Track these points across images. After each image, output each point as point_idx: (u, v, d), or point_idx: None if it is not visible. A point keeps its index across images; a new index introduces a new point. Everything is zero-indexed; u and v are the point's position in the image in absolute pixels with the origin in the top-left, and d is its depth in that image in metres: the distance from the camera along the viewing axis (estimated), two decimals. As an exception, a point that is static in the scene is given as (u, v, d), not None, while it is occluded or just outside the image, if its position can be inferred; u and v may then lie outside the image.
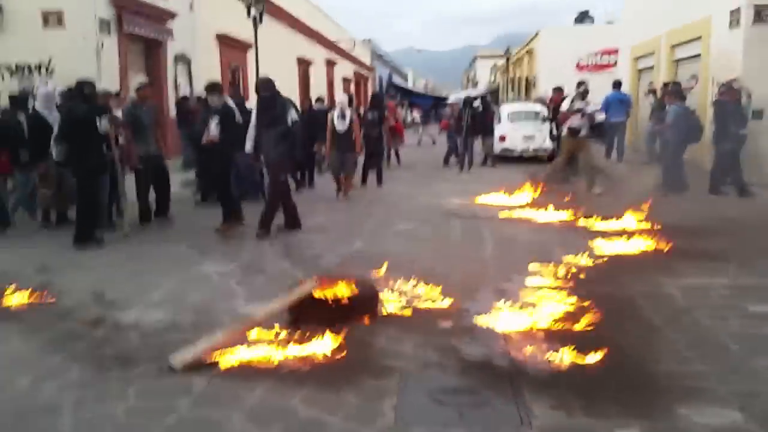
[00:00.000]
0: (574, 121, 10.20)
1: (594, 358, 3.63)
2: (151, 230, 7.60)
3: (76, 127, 6.60)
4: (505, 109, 17.48)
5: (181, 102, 14.00)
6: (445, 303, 4.65)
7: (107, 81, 11.32)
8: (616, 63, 24.10)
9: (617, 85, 14.86)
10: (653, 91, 13.93)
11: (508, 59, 39.21)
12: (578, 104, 10.29)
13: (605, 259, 5.93)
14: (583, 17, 36.96)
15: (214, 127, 7.39)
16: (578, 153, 10.33)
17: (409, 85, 63.79)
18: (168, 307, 4.70)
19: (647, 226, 7.08)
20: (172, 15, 14.82)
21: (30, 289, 5.01)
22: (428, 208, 9.06)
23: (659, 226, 6.98)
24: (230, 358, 3.64)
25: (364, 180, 11.38)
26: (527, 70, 36.37)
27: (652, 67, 16.10)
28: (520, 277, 5.36)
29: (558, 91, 13.37)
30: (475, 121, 14.08)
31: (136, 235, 7.24)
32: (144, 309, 4.65)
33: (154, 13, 14.13)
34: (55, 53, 11.80)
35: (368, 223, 7.96)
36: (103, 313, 4.56)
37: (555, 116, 12.25)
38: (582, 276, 5.33)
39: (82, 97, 6.78)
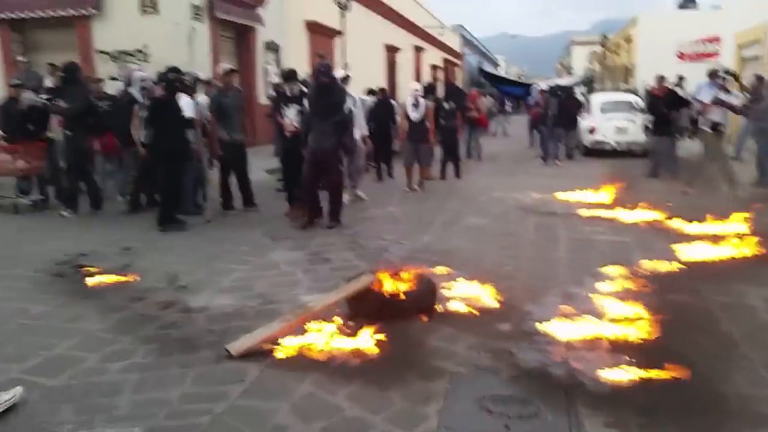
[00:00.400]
0: (715, 113, 9.44)
1: (659, 373, 3.42)
2: (233, 216, 7.84)
3: (157, 112, 6.90)
4: (597, 99, 16.74)
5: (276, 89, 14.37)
6: (507, 304, 4.53)
7: (199, 67, 11.77)
8: (718, 52, 22.52)
9: (713, 75, 13.71)
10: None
11: (604, 46, 37.54)
12: (723, 96, 9.49)
13: (687, 265, 5.57)
14: (686, 2, 34.69)
15: (294, 116, 7.53)
16: (714, 149, 9.50)
17: (501, 72, 62.51)
18: (236, 293, 4.85)
19: (741, 230, 6.59)
20: (262, 1, 15.19)
21: (113, 270, 5.35)
22: (504, 202, 8.86)
23: (755, 232, 6.48)
24: (285, 347, 3.71)
25: (443, 174, 11.23)
26: (625, 58, 34.69)
27: (757, 57, 14.91)
28: (591, 280, 5.12)
29: (661, 80, 12.31)
30: (558, 111, 13.60)
31: (217, 221, 7.51)
32: (213, 294, 4.83)
33: (246, -1, 14.55)
34: (151, 39, 12.39)
35: (440, 216, 7.87)
36: (175, 296, 4.78)
37: (656, 108, 11.39)
38: (658, 283, 5.03)
39: (166, 83, 7.07)
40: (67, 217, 7.66)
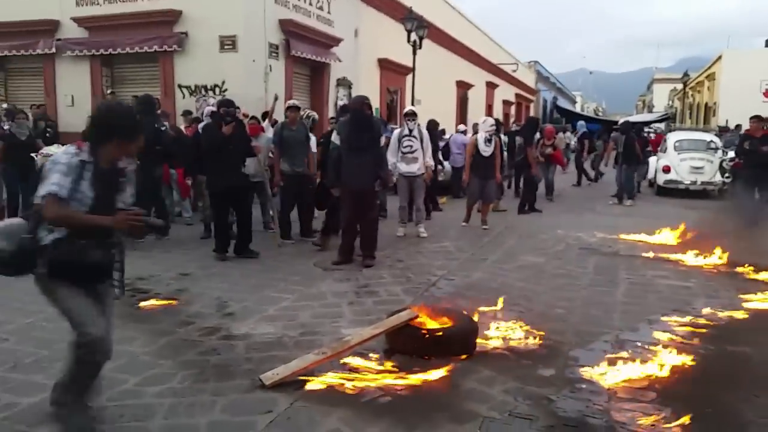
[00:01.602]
0: None
1: (708, 428, 3.18)
2: (290, 246, 7.93)
3: (211, 146, 7.00)
4: (672, 137, 16.14)
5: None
6: (553, 348, 4.35)
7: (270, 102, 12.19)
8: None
9: None
10: None
11: (685, 84, 36.29)
12: None
13: (756, 315, 5.20)
14: (775, 39, 33.13)
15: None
16: None
17: (577, 108, 61.45)
18: (279, 322, 4.90)
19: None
20: (337, 41, 15.65)
21: (166, 295, 5.54)
22: (564, 240, 8.60)
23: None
24: (317, 380, 3.70)
25: (521, 209, 11.37)
26: (707, 96, 33.39)
27: None
28: (647, 327, 4.87)
29: (757, 119, 10.81)
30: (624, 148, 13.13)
31: (273, 250, 7.62)
32: (258, 322, 4.89)
33: (321, 38, 15.02)
34: (228, 75, 12.95)
35: (495, 253, 7.71)
36: (220, 322, 4.87)
37: (747, 149, 10.39)
38: (719, 332, 4.71)
39: (219, 118, 7.16)
40: (140, 242, 7.99)
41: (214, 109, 8.92)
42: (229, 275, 6.40)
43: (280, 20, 13.47)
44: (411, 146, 8.51)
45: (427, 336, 4.10)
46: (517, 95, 37.99)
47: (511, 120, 30.63)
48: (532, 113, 40.38)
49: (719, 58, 30.90)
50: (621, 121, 17.23)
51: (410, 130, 8.59)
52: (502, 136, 12.70)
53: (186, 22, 12.84)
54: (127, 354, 4.17)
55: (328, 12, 15.51)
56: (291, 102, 8.92)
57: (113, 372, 3.86)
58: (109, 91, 12.98)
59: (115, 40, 13.18)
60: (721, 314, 5.16)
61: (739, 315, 5.16)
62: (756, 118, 10.72)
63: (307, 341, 4.44)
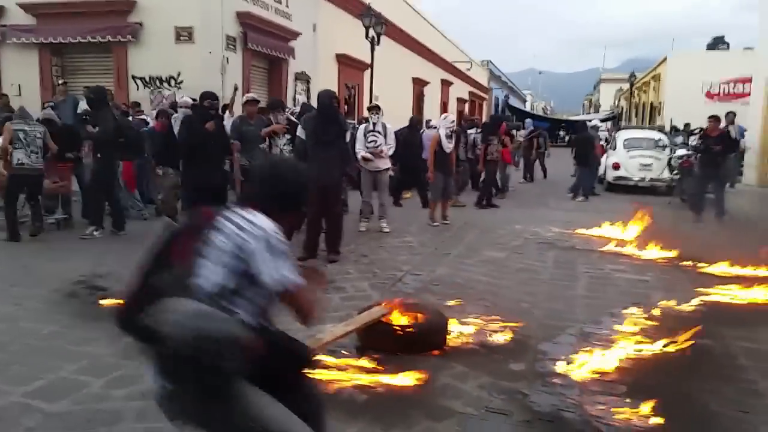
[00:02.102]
0: None
1: (678, 423, 3.27)
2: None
3: (193, 142, 6.69)
4: (622, 135, 16.60)
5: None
6: (521, 342, 4.41)
7: (228, 95, 11.94)
8: (750, 92, 22.32)
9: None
10: None
11: (632, 84, 37.41)
12: None
13: (711, 307, 5.39)
14: (717, 43, 34.54)
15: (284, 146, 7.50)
16: None
17: (527, 107, 62.60)
18: (246, 320, 4.79)
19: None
20: (295, 35, 15.48)
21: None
22: (522, 235, 8.74)
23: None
24: (290, 379, 3.63)
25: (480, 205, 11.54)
26: (653, 96, 34.53)
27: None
28: (610, 320, 4.99)
29: (714, 119, 11.13)
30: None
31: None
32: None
33: (279, 31, 14.83)
34: (184, 67, 12.64)
35: (457, 248, 7.78)
36: (185, 320, 4.73)
37: (706, 148, 10.62)
38: (680, 325, 4.85)
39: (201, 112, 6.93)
40: (96, 236, 7.74)
41: (191, 101, 8.68)
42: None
43: (237, 12, 13.23)
44: (375, 141, 8.48)
45: (400, 332, 4.08)
46: (471, 93, 38.43)
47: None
48: (485, 111, 40.95)
49: (664, 59, 31.98)
50: (574, 119, 17.70)
51: (374, 125, 8.56)
52: (474, 132, 12.86)
53: (141, 12, 12.47)
54: (89, 355, 4.02)
55: (287, 6, 15.33)
56: (250, 95, 8.77)
57: (76, 374, 3.73)
58: (60, 82, 12.47)
59: (65, 28, 12.69)
60: (679, 307, 5.32)
61: (697, 308, 5.33)
62: (713, 118, 11.09)
63: (276, 339, 4.36)
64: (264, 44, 14.16)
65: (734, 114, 14.64)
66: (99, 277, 5.87)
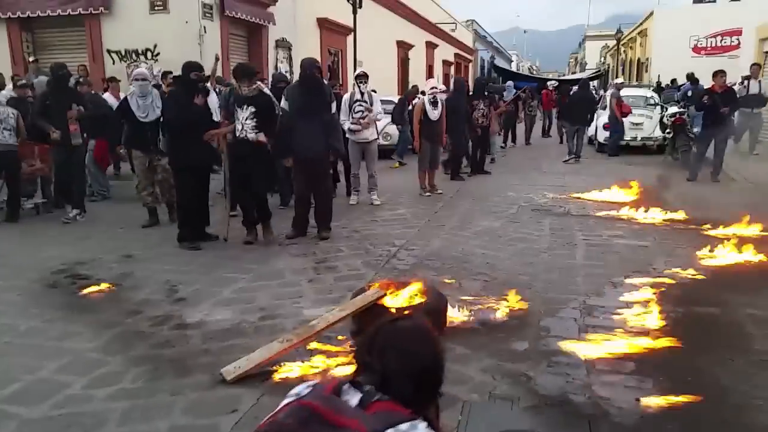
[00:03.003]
0: None
1: (689, 398, 3.13)
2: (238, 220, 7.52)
3: (182, 119, 6.12)
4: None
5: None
6: (523, 319, 4.25)
7: (209, 65, 11.52)
8: (739, 45, 22.01)
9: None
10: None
11: (618, 40, 36.92)
12: None
13: (716, 273, 5.25)
14: (704, -5, 33.95)
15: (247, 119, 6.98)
16: None
17: (513, 67, 61.85)
18: (236, 305, 4.59)
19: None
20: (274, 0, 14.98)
21: (110, 280, 5.13)
22: (516, 202, 8.56)
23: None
24: (284, 371, 3.45)
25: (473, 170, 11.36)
26: (639, 52, 34.13)
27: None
28: (613, 291, 4.84)
29: (720, 74, 10.34)
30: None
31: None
32: (212, 307, 4.57)
33: (256, -3, 14.34)
34: (160, 38, 12.20)
35: (451, 219, 7.57)
36: (171, 309, 4.53)
37: (711, 105, 10.02)
38: (685, 294, 4.72)
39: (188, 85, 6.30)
40: (78, 220, 7.45)
41: (147, 73, 8.18)
42: (176, 255, 6.01)
43: (212, -22, 12.74)
44: (362, 111, 8.17)
45: (398, 315, 3.89)
46: (457, 55, 37.76)
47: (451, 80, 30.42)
48: (471, 73, 40.34)
49: (651, 14, 31.48)
50: (566, 79, 17.35)
51: (362, 94, 8.24)
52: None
53: (112, -18, 11.96)
54: (70, 351, 3.81)
55: (264, -31, 14.80)
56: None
57: (57, 374, 3.53)
58: (31, 59, 11.99)
59: (34, 1, 12.16)
60: (682, 273, 5.18)
61: (700, 274, 5.19)
62: (720, 73, 10.34)
63: (268, 326, 4.18)
64: (242, 10, 13.69)
65: (759, 66, 13.54)
66: (80, 265, 5.63)
